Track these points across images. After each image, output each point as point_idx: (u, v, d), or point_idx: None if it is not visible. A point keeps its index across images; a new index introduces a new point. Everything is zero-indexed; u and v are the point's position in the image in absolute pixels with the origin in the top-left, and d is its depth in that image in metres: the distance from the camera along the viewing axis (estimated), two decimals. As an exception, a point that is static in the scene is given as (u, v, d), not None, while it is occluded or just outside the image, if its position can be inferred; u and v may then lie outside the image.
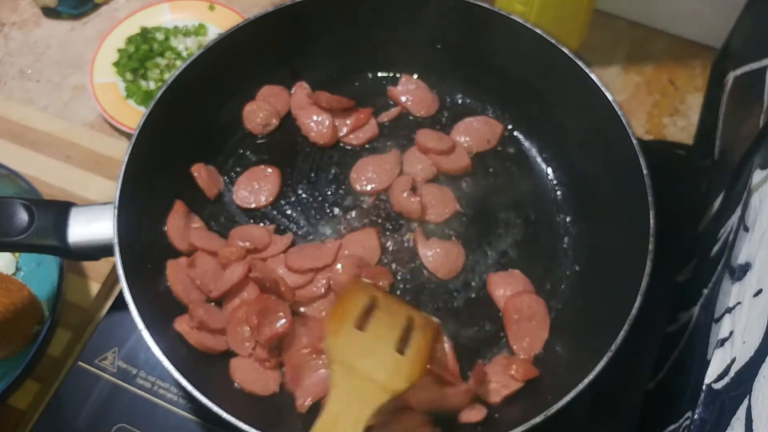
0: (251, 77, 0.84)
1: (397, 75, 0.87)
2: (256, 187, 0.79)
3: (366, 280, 0.71)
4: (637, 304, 0.63)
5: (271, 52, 0.84)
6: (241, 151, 0.83)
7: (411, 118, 0.84)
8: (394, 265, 0.76)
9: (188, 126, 0.81)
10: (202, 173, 0.79)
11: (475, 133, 0.82)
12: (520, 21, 0.76)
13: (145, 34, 0.96)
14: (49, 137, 0.90)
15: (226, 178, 0.81)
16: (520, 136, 0.84)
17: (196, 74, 0.78)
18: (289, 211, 0.79)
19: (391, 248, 0.77)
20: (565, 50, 0.74)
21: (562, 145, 0.80)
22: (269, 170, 0.81)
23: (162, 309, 0.70)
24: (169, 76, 0.75)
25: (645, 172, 0.68)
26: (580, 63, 0.74)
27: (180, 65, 0.75)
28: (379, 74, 0.87)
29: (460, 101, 0.86)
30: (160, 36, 0.96)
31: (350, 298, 0.63)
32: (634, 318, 0.62)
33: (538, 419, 0.59)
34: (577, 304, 0.73)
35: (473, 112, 0.84)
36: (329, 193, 0.80)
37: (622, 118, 0.70)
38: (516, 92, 0.82)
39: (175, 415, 0.72)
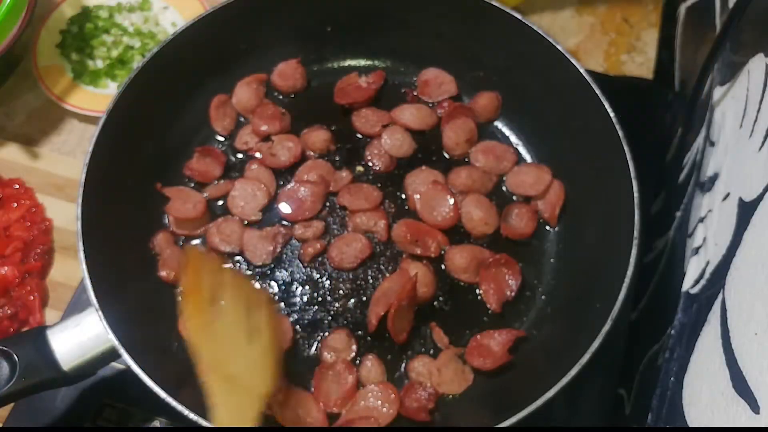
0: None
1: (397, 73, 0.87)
2: (253, 189, 0.79)
3: (201, 251, 0.66)
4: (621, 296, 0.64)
5: (271, 46, 0.85)
6: (240, 153, 0.83)
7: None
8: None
9: (188, 125, 0.82)
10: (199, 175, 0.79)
11: (470, 133, 0.82)
12: (509, 12, 0.77)
13: (88, 13, 0.96)
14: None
15: (224, 180, 0.81)
16: (512, 129, 0.84)
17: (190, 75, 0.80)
18: (288, 211, 0.79)
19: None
20: (554, 41, 0.75)
21: (552, 139, 0.81)
22: (268, 171, 0.81)
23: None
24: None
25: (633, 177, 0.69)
26: (571, 58, 0.75)
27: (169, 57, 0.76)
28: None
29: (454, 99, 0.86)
30: (103, 14, 0.96)
31: (201, 277, 0.59)
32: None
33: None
34: (567, 293, 0.74)
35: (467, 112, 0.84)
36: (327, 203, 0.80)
37: (614, 122, 0.71)
38: (501, 80, 0.84)
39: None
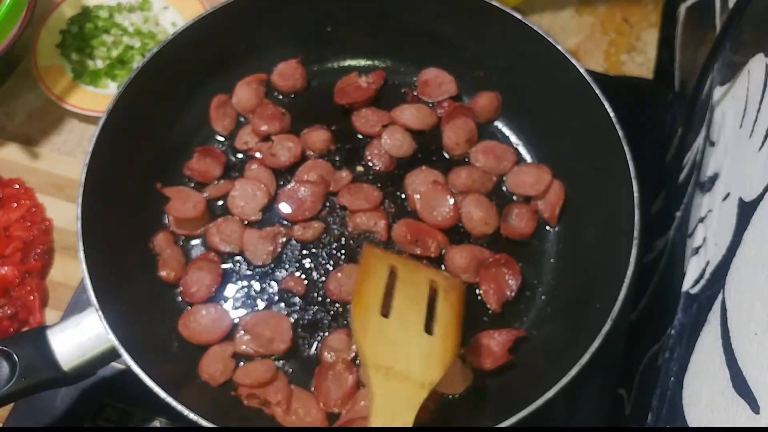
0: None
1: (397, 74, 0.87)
2: (253, 189, 0.79)
3: (378, 248, 0.68)
4: (622, 295, 0.64)
5: (271, 46, 0.85)
6: (241, 153, 0.83)
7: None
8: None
9: (188, 125, 0.82)
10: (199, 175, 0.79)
11: (470, 133, 0.82)
12: (509, 12, 0.77)
13: (88, 13, 0.96)
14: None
15: (224, 180, 0.81)
16: (512, 129, 0.84)
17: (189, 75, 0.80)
18: (288, 211, 0.79)
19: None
20: (551, 40, 0.75)
21: (552, 139, 0.81)
22: (268, 171, 0.80)
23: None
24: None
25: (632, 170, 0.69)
26: (570, 57, 0.75)
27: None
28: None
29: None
30: (103, 14, 0.96)
31: (370, 278, 0.61)
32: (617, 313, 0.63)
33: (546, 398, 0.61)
34: (567, 293, 0.74)
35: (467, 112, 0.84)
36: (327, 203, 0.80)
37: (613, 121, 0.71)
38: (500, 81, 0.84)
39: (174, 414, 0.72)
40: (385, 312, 0.59)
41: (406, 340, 0.58)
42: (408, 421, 0.54)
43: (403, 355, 0.57)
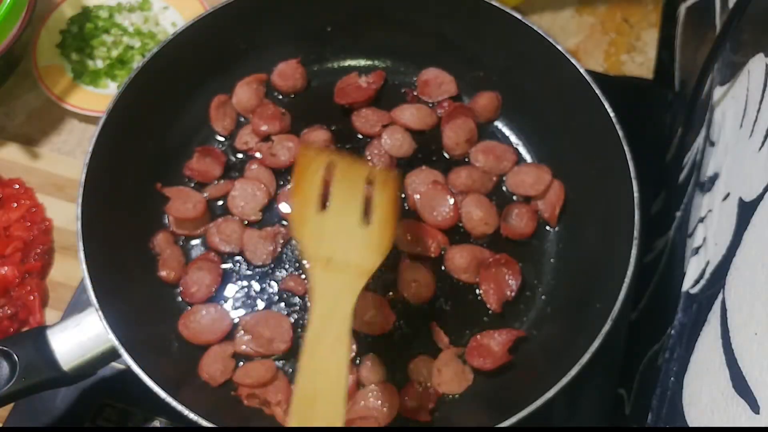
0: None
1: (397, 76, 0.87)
2: (253, 189, 0.79)
3: (313, 146, 0.69)
4: (621, 295, 0.64)
5: (271, 46, 0.85)
6: (241, 153, 0.83)
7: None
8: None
9: (188, 125, 0.82)
10: (199, 175, 0.79)
11: (470, 133, 0.82)
12: (509, 12, 0.77)
13: (88, 13, 0.96)
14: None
15: (224, 180, 0.81)
16: (512, 129, 0.84)
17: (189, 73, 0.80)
18: (288, 210, 0.79)
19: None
20: (552, 40, 0.75)
21: (552, 139, 0.81)
22: (268, 171, 0.80)
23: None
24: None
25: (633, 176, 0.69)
26: (570, 57, 0.75)
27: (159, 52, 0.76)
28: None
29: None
30: (103, 14, 0.96)
31: (306, 174, 0.62)
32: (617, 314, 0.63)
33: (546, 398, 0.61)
34: (567, 293, 0.74)
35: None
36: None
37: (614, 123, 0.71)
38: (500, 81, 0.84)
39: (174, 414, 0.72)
40: (324, 206, 0.61)
41: (344, 231, 0.59)
42: (348, 306, 0.55)
43: (341, 245, 0.59)
